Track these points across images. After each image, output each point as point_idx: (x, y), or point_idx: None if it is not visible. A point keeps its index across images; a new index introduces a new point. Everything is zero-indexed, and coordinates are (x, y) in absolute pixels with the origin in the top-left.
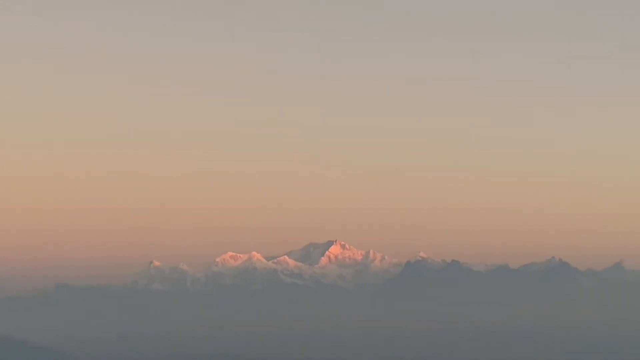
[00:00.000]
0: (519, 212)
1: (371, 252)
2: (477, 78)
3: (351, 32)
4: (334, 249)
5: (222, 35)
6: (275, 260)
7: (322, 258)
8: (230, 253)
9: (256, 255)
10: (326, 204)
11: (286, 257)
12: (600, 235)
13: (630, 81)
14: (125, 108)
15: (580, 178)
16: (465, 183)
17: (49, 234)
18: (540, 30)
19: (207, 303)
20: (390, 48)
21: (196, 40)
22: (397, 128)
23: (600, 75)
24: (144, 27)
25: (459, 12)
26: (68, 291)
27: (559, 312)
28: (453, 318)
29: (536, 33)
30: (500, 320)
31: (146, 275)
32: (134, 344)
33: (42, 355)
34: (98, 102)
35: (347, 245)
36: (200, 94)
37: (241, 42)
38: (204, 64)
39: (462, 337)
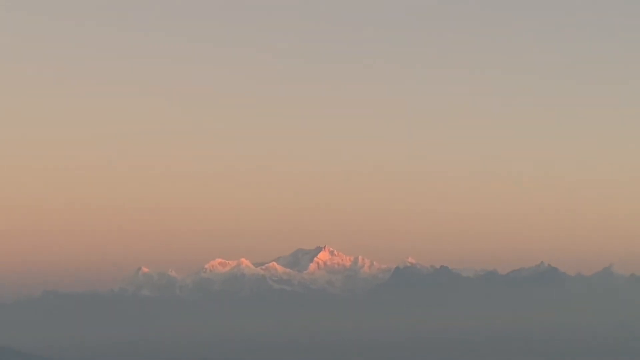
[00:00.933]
0: (508, 218)
1: (360, 258)
2: (475, 81)
3: (351, 33)
4: (323, 255)
5: (219, 36)
6: (263, 267)
7: (311, 264)
8: (218, 259)
9: (245, 262)
10: (315, 210)
11: (275, 263)
12: (590, 240)
13: (624, 83)
14: (116, 112)
15: (570, 183)
16: (454, 189)
17: (37, 241)
18: (540, 30)
19: (195, 309)
20: (390, 49)
21: (193, 41)
22: (386, 135)
23: (596, 75)
24: (142, 27)
25: (459, 13)
26: (56, 298)
27: (548, 317)
28: (442, 324)
29: (536, 33)
30: (489, 325)
31: (134, 282)
32: (123, 350)
33: None
34: (87, 104)
35: (335, 252)
36: (192, 96)
37: (239, 43)
38: (197, 65)
39: (451, 342)
